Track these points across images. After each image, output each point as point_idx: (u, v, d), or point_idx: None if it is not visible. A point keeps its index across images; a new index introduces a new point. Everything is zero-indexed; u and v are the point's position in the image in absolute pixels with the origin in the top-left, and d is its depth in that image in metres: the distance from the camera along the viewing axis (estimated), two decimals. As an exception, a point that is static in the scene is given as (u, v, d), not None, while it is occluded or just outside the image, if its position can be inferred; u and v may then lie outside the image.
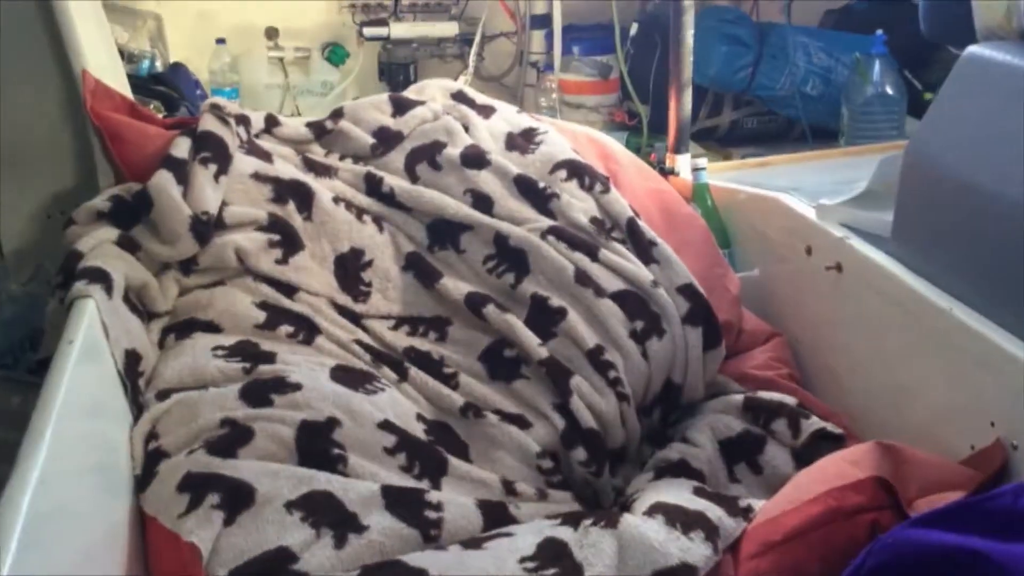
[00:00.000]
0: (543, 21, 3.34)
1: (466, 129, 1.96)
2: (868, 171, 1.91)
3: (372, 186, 1.86)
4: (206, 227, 1.65)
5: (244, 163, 1.78)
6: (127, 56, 2.71)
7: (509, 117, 2.04)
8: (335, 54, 3.27)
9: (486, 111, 2.04)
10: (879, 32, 2.84)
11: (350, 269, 1.76)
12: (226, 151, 1.76)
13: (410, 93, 2.08)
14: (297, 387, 1.45)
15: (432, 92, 2.06)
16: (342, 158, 1.94)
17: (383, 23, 3.25)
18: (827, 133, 3.04)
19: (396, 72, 3.31)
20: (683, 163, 2.36)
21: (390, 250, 1.80)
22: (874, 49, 2.84)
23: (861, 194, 1.87)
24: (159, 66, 2.85)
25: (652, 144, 3.03)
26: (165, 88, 2.62)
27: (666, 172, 2.38)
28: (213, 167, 1.72)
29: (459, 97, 2.05)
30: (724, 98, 3.14)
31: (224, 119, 1.80)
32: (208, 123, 1.77)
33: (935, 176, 1.58)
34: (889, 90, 2.83)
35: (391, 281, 1.77)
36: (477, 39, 3.14)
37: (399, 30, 3.26)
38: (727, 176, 2.28)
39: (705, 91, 3.07)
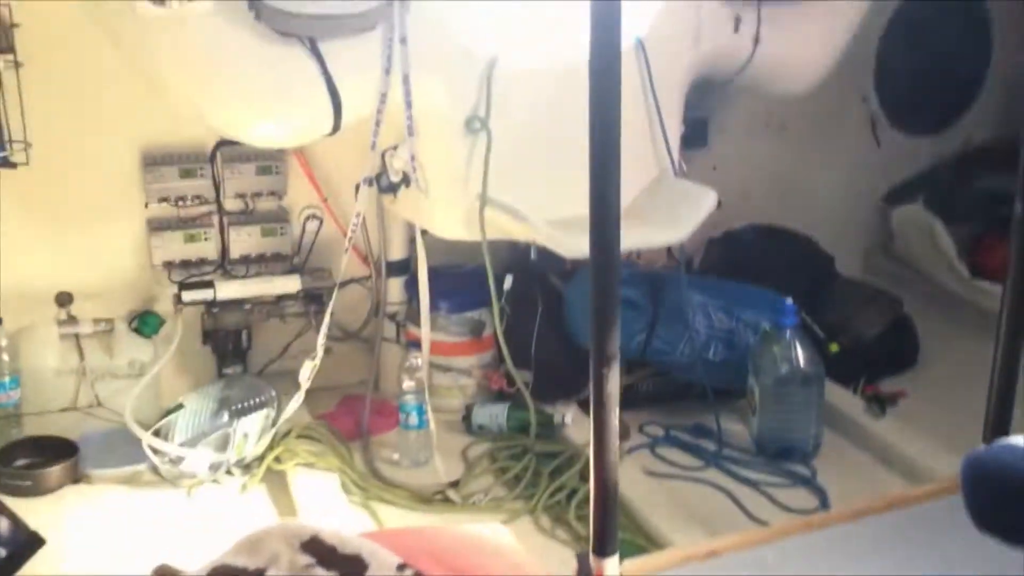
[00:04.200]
0: (401, 267, 2.87)
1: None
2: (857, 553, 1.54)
3: None
4: None
5: None
6: None
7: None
8: (146, 324, 2.64)
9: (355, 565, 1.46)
10: (788, 302, 2.54)
11: None
12: None
13: (240, 553, 1.45)
14: None
15: (273, 546, 1.45)
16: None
17: (207, 284, 2.66)
18: (729, 393, 2.72)
19: (225, 340, 2.73)
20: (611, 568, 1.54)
21: None
22: (785, 320, 2.54)
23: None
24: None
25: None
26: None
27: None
28: None
29: (313, 548, 1.45)
30: (616, 362, 2.74)
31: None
32: None
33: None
34: (805, 367, 2.53)
35: None
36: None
37: (228, 290, 2.68)
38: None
39: (596, 356, 2.67)
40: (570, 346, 2.70)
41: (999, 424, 1.75)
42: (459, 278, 2.82)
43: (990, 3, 3.36)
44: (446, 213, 2.46)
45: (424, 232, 2.52)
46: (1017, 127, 3.37)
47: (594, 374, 1.41)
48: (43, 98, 2.40)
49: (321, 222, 2.85)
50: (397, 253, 2.85)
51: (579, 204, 2.32)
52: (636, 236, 2.33)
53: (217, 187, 2.69)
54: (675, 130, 2.62)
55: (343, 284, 2.63)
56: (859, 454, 2.56)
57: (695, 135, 3.02)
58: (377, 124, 2.28)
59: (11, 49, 2.28)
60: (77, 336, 2.59)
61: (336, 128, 2.27)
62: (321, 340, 2.40)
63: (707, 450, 2.60)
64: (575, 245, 2.26)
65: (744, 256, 3.07)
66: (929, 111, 3.51)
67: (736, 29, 2.53)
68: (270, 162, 2.71)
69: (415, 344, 2.62)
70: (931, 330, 3.06)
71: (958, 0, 2.86)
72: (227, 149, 2.66)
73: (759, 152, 3.32)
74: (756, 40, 2.56)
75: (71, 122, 2.50)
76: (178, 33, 2.06)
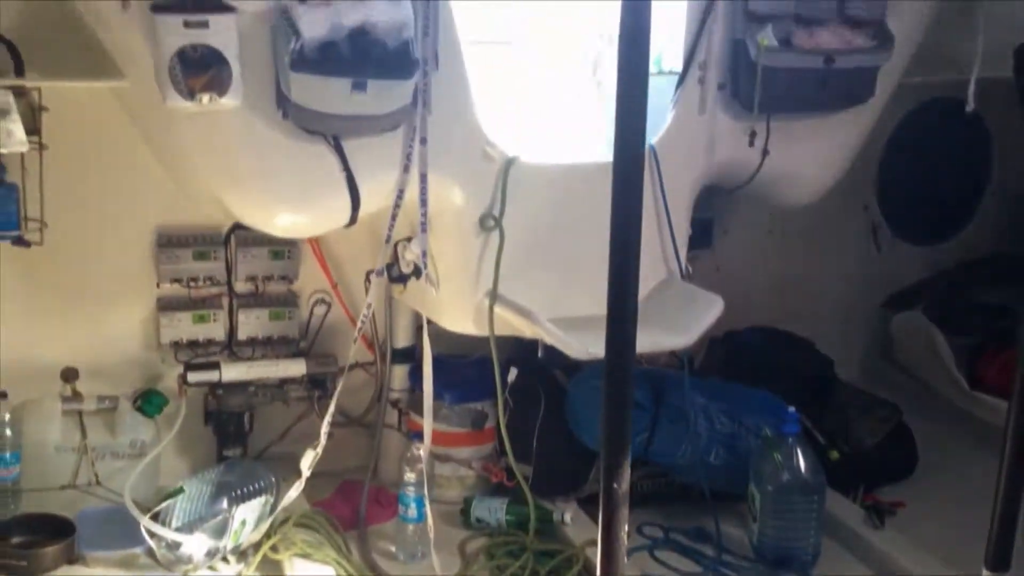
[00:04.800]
0: (406, 355, 2.88)
1: None
2: None
3: None
4: None
5: None
6: None
7: None
8: (150, 403, 2.64)
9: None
10: (791, 409, 2.55)
11: None
12: None
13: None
14: None
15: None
16: None
17: (212, 366, 2.67)
18: (730, 496, 2.71)
19: (227, 422, 2.72)
20: None
21: None
22: (786, 428, 2.55)
23: None
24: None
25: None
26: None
27: None
28: None
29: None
30: (617, 460, 2.74)
31: None
32: None
33: None
34: (806, 475, 2.53)
35: None
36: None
37: (233, 372, 2.69)
38: None
39: (595, 454, 2.68)
40: (572, 443, 2.70)
41: (1001, 552, 1.75)
42: (463, 368, 2.83)
43: (990, 118, 3.45)
44: (455, 308, 2.48)
45: (429, 322, 2.55)
46: (1017, 241, 3.44)
47: (604, 479, 1.41)
48: (63, 178, 2.43)
49: (329, 307, 2.87)
50: (403, 341, 2.87)
51: (589, 303, 2.36)
52: (645, 339, 2.33)
53: (229, 269, 2.72)
54: (683, 233, 2.66)
55: (348, 369, 2.64)
56: (857, 565, 2.56)
57: (700, 236, 3.07)
58: (393, 219, 2.32)
59: (37, 131, 2.32)
60: (80, 413, 2.58)
61: (353, 222, 2.31)
62: (324, 429, 2.40)
63: (706, 555, 2.58)
64: (583, 347, 2.29)
65: (745, 357, 3.09)
66: (930, 221, 3.58)
67: (751, 144, 2.59)
68: (283, 247, 2.74)
69: (416, 434, 2.62)
70: (930, 439, 3.07)
71: (959, 114, 2.94)
72: (242, 232, 2.70)
73: (762, 254, 3.38)
74: (765, 152, 2.62)
75: (89, 202, 2.54)
76: (205, 126, 2.11)
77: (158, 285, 2.68)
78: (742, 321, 3.21)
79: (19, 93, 2.26)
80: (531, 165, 2.43)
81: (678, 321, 2.45)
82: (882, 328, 3.60)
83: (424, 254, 2.37)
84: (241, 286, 2.76)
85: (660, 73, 2.64)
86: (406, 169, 2.28)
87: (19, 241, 2.36)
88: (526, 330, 2.42)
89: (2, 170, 2.32)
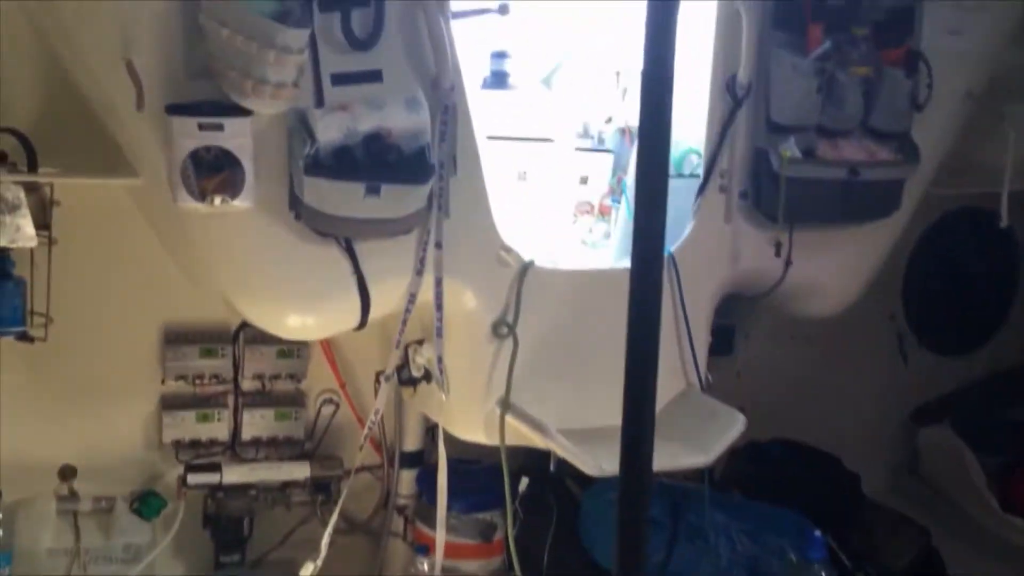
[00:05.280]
0: (415, 459, 2.79)
1: None
2: None
3: None
4: None
5: None
6: None
7: None
8: (148, 506, 2.55)
9: None
10: (817, 534, 2.43)
11: None
12: None
13: None
14: None
15: None
16: None
17: (214, 467, 2.58)
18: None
19: (226, 527, 2.62)
20: None
21: None
22: (811, 552, 2.43)
23: None
24: None
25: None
26: None
27: None
28: None
29: None
30: None
31: None
32: None
33: None
34: (830, 604, 2.40)
35: None
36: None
37: (235, 474, 2.60)
38: None
39: (609, 572, 2.54)
40: (584, 558, 2.59)
41: None
42: (472, 476, 2.72)
43: (1017, 227, 3.38)
44: (465, 415, 2.40)
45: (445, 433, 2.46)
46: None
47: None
48: (72, 273, 2.40)
49: (337, 407, 2.80)
50: (412, 444, 2.78)
51: (604, 413, 2.26)
52: (662, 456, 2.24)
53: (236, 367, 2.66)
54: (703, 343, 2.58)
55: (354, 472, 2.55)
56: None
57: (720, 343, 2.98)
58: (404, 324, 2.26)
59: (47, 226, 2.29)
60: (75, 514, 2.49)
61: (362, 325, 2.25)
62: (326, 540, 2.30)
63: None
64: (597, 462, 2.19)
65: (769, 471, 2.98)
66: (957, 332, 3.48)
67: (778, 254, 2.52)
68: (292, 345, 2.69)
69: (422, 547, 2.51)
70: (959, 562, 2.93)
71: (987, 222, 2.87)
72: (251, 330, 2.64)
73: (784, 361, 3.28)
74: (787, 262, 2.55)
75: (96, 297, 2.50)
76: (217, 227, 2.07)
77: (163, 382, 2.62)
78: (764, 431, 3.10)
79: (31, 187, 2.23)
80: (547, 270, 2.38)
81: (698, 437, 2.35)
82: (909, 441, 3.47)
83: (440, 360, 2.30)
84: (248, 384, 2.69)
85: (679, 176, 2.60)
86: (419, 272, 2.22)
87: (23, 337, 2.32)
88: (539, 442, 2.33)
89: (10, 264, 2.28)
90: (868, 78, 2.45)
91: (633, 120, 3.09)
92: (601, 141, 3.30)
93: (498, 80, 3.16)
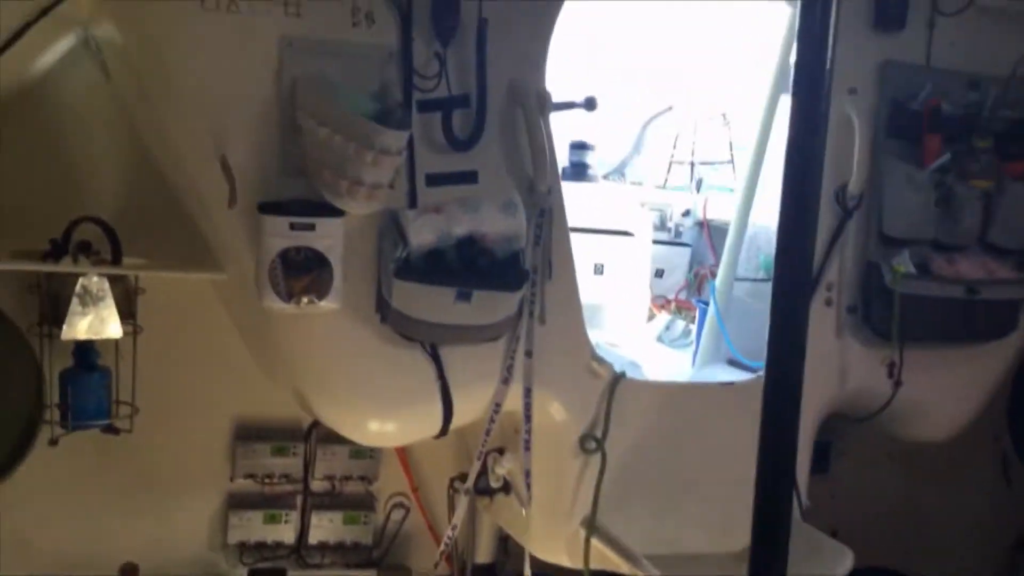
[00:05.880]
0: (487, 572, 2.64)
1: None
2: None
3: None
4: None
5: None
6: None
7: None
8: (208, 611, 2.43)
9: None
10: None
11: None
12: None
13: None
14: None
15: None
16: None
17: (279, 573, 2.46)
18: None
19: (288, 638, 2.49)
20: None
21: None
22: None
23: None
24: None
25: None
26: None
27: None
28: None
29: None
30: None
31: None
32: None
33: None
34: None
35: None
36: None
37: (297, 585, 2.48)
38: None
39: None
40: None
41: None
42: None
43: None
44: (547, 534, 2.26)
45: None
46: None
47: None
48: (154, 362, 2.34)
49: (408, 511, 2.68)
50: (484, 556, 2.64)
51: (698, 538, 2.08)
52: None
53: (307, 467, 2.56)
54: (805, 467, 2.42)
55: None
56: None
57: (816, 460, 2.80)
58: (487, 434, 2.14)
59: (132, 315, 2.24)
60: (132, 620, 2.39)
61: (443, 433, 2.13)
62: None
63: None
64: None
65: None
66: (1067, 456, 3.24)
67: (891, 375, 2.36)
68: (365, 446, 2.57)
69: (494, 674, 2.34)
70: None
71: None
72: (323, 428, 2.54)
73: (881, 482, 3.07)
74: (898, 383, 2.38)
75: (175, 389, 2.44)
76: (301, 327, 1.99)
77: (231, 479, 2.53)
78: (858, 557, 2.89)
79: (116, 277, 2.19)
80: (639, 382, 2.25)
81: (802, 573, 2.17)
82: (1013, 571, 3.22)
83: (528, 474, 2.16)
84: (317, 484, 2.59)
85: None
86: (505, 381, 2.11)
87: (109, 429, 2.25)
88: (624, 568, 2.17)
89: (95, 355, 2.23)
90: (988, 191, 2.31)
91: (710, 212, 2.99)
92: (679, 234, 3.20)
93: (578, 172, 3.09)
